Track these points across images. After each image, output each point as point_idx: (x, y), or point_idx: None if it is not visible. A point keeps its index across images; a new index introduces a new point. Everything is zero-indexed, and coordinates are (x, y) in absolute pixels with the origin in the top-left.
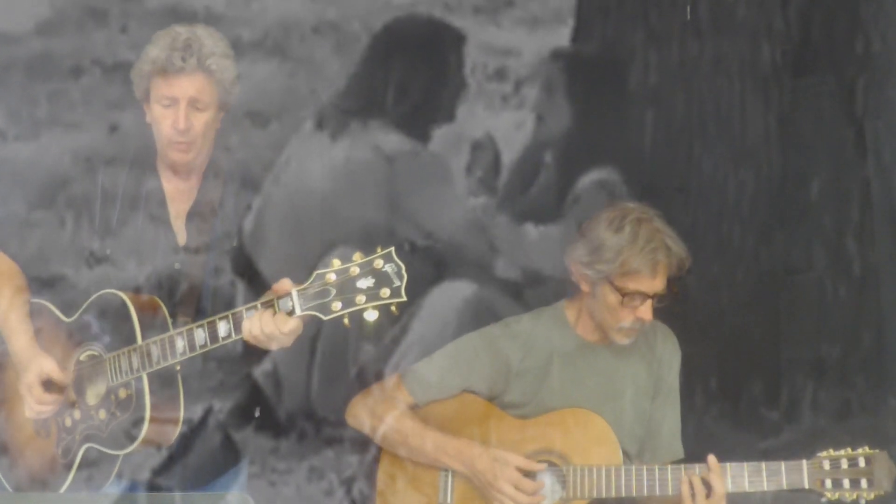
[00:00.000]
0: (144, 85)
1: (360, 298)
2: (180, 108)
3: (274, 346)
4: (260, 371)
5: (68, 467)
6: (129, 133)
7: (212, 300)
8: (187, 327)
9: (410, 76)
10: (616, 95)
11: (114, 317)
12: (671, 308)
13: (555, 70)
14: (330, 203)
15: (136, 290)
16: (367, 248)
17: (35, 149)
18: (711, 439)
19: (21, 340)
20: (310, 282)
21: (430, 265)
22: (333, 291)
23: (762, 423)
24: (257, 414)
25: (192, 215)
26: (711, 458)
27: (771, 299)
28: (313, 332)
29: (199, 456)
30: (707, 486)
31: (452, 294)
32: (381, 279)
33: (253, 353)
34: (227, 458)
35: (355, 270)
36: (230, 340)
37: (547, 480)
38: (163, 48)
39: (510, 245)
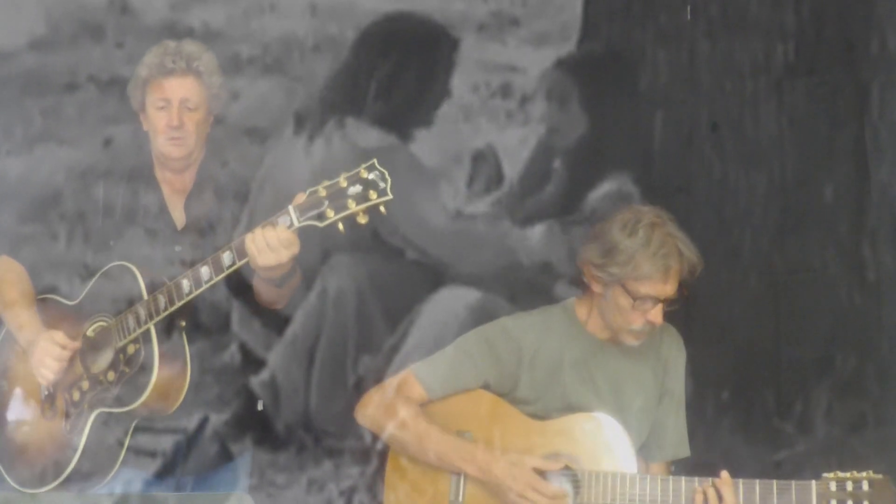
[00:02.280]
0: (140, 94)
1: (351, 203)
2: (173, 107)
3: (273, 260)
4: (257, 381)
5: (76, 442)
6: (123, 147)
7: (209, 314)
8: (192, 269)
9: (395, 74)
10: (625, 98)
11: (120, 285)
12: (682, 315)
13: (562, 73)
14: None
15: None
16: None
17: (28, 163)
18: (723, 450)
19: (28, 327)
20: (304, 198)
21: (422, 271)
22: (326, 202)
23: (775, 434)
24: (260, 407)
25: (190, 203)
26: (724, 474)
27: (784, 306)
28: (312, 341)
29: (195, 456)
30: (719, 497)
31: (454, 300)
32: (368, 185)
33: (250, 363)
34: (222, 455)
35: (344, 182)
36: (235, 267)
37: (560, 485)
38: (155, 55)
39: (512, 247)
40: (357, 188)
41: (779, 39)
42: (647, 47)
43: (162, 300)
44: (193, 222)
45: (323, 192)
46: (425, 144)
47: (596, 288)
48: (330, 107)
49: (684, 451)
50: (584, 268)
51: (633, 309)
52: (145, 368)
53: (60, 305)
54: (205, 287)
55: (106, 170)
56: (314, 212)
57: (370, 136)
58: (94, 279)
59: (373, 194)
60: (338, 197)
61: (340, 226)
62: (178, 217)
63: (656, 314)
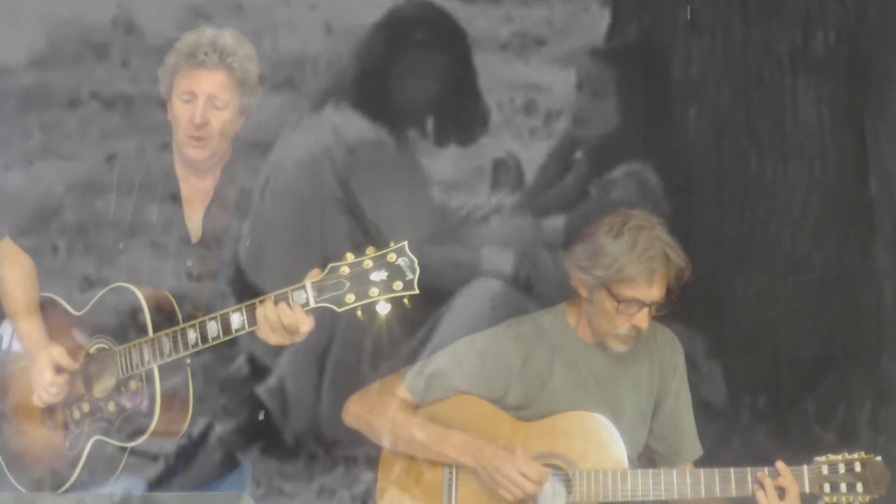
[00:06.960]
0: (169, 80)
1: (374, 291)
2: (199, 102)
3: (286, 341)
4: (265, 389)
5: (76, 460)
6: (130, 160)
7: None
8: (199, 320)
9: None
10: (656, 88)
11: (125, 309)
12: (716, 318)
13: (593, 62)
14: (317, 208)
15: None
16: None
17: (28, 176)
18: (760, 458)
19: (32, 334)
20: (324, 275)
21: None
22: (347, 284)
23: (816, 441)
24: (261, 417)
25: (209, 213)
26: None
27: (823, 307)
28: (323, 345)
29: (199, 464)
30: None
31: (480, 295)
32: (395, 272)
33: (258, 373)
34: (227, 463)
35: (369, 264)
36: (243, 332)
37: (552, 484)
38: (187, 42)
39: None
40: (382, 274)
41: (819, 24)
42: (679, 34)
43: (167, 344)
44: (209, 235)
45: (345, 271)
46: (447, 157)
47: (582, 291)
48: (322, 98)
49: (697, 451)
50: (570, 271)
51: (617, 313)
52: (147, 409)
53: (65, 314)
54: (211, 343)
55: (113, 182)
56: (333, 294)
57: (360, 127)
58: (98, 294)
59: (397, 285)
60: (360, 281)
61: (359, 312)
62: (194, 228)
63: (641, 318)
